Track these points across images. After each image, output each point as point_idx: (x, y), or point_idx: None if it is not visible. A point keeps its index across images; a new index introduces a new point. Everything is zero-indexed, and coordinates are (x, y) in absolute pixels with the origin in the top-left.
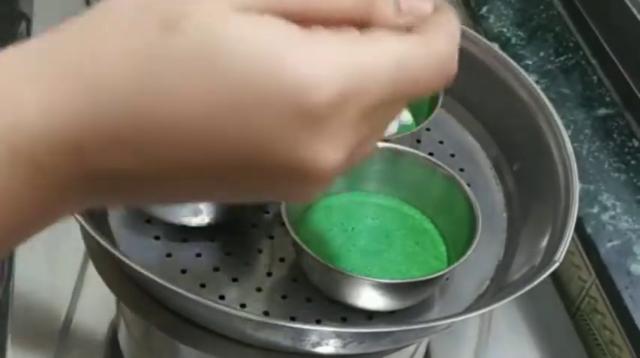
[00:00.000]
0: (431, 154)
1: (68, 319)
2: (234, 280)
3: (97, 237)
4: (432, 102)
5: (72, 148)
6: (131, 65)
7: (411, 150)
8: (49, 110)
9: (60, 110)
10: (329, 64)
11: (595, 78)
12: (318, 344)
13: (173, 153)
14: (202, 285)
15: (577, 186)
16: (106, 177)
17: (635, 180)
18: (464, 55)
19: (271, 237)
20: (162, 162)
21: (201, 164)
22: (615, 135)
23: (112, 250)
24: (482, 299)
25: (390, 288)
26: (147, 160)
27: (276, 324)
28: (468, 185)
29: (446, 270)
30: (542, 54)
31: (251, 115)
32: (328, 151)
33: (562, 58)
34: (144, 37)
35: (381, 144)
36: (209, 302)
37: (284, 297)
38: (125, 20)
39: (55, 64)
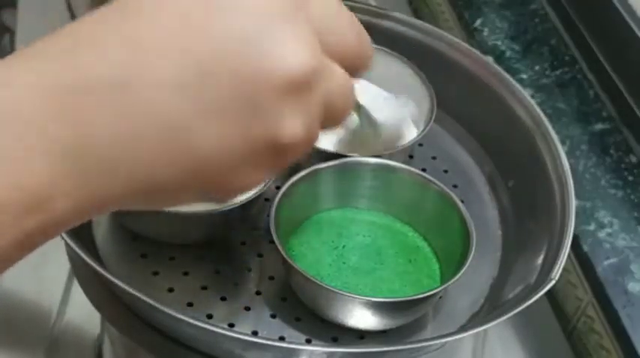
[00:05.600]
0: (424, 170)
1: (53, 336)
2: (223, 299)
3: (83, 255)
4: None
5: None
6: None
7: (403, 166)
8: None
9: None
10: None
11: (592, 92)
12: None
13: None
14: (190, 304)
15: (573, 202)
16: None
17: (632, 197)
18: (457, 68)
19: (260, 255)
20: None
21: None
22: (612, 151)
23: (98, 268)
24: (477, 318)
25: (382, 307)
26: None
27: (265, 344)
28: (462, 201)
29: (439, 289)
30: (537, 68)
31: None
32: (298, 123)
33: (558, 72)
34: None
35: (372, 160)
36: (196, 322)
37: (273, 316)
38: None
39: None
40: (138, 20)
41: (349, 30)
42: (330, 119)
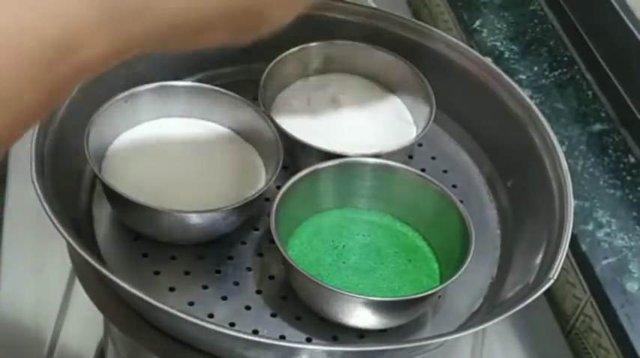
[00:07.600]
0: (423, 170)
1: (54, 338)
2: (224, 298)
3: (84, 254)
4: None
5: None
6: None
7: (402, 166)
8: None
9: None
10: None
11: (590, 93)
12: None
13: None
14: (191, 304)
15: (572, 202)
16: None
17: (630, 197)
18: (457, 69)
19: (261, 255)
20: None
21: None
22: (611, 151)
23: (99, 267)
24: (476, 318)
25: (382, 306)
26: None
27: (266, 343)
28: (461, 201)
29: (438, 288)
30: (536, 68)
31: None
32: None
33: (556, 73)
34: None
35: (372, 160)
36: (198, 321)
37: (274, 315)
38: None
39: None
40: None
41: None
42: None
